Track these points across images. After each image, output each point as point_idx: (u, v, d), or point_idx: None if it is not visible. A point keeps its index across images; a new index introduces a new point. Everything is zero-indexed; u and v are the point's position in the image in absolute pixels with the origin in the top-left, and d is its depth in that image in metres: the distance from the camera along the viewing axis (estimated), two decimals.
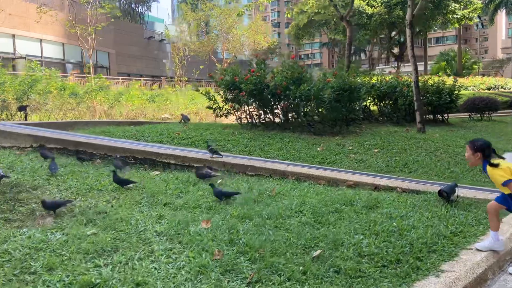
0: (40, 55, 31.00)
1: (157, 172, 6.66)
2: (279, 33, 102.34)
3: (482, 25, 60.16)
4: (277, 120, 10.70)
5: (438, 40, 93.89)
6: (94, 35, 18.69)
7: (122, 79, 31.43)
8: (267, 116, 10.78)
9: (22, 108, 11.56)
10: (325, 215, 4.79)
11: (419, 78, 12.61)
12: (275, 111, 10.74)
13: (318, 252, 3.75)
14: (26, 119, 11.70)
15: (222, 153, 7.25)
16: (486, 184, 6.53)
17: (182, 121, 11.23)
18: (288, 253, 3.71)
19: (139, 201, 4.98)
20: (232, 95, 10.51)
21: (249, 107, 10.61)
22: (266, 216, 4.63)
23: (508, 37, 48.26)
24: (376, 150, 8.53)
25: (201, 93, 10.84)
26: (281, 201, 5.22)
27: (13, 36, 29.02)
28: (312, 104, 10.14)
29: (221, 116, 10.90)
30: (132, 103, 14.65)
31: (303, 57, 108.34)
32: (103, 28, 19.92)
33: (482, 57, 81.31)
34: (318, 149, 8.51)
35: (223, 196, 5.09)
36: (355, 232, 4.33)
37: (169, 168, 7.03)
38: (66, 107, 12.33)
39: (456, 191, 5.50)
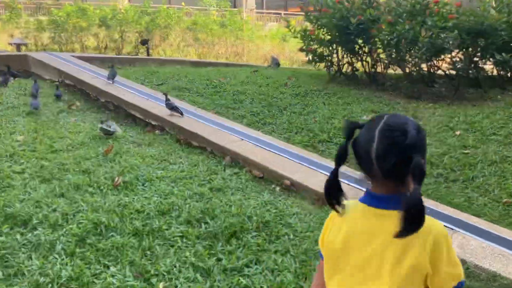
0: None
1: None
2: None
3: None
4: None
5: None
6: None
7: None
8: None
9: (144, 42, 11.82)
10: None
11: None
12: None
13: None
14: (148, 54, 11.98)
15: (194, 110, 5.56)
16: None
17: (271, 65, 9.50)
18: None
19: None
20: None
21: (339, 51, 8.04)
22: None
23: None
24: (458, 133, 5.18)
25: (290, 30, 8.70)
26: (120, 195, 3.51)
27: None
28: (406, 51, 6.87)
29: (311, 61, 8.58)
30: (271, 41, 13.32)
31: None
32: None
33: None
34: (365, 118, 5.74)
35: None
36: None
37: (134, 121, 5.83)
38: (184, 44, 12.04)
39: None
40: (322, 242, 1.41)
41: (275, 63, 9.44)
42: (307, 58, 8.67)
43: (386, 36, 6.85)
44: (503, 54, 6.85)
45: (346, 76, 8.04)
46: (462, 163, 4.40)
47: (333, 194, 1.31)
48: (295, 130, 5.40)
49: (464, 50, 6.90)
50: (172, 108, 5.37)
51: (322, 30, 8.02)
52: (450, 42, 6.52)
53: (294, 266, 2.75)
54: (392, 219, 1.20)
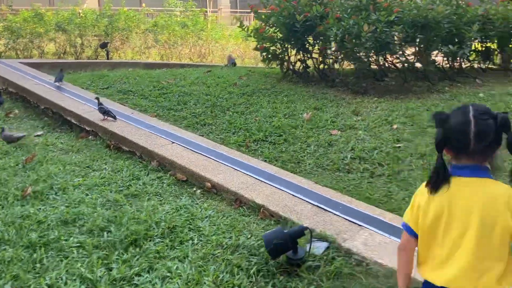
0: None
1: (40, 133, 5.45)
2: None
3: None
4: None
5: None
6: None
7: None
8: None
9: (103, 45, 11.61)
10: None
11: None
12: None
13: None
14: (108, 57, 11.79)
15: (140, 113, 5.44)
16: None
17: (228, 64, 9.40)
18: None
19: None
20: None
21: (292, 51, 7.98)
22: None
23: None
24: (394, 126, 5.15)
25: (243, 29, 8.58)
26: (27, 206, 3.38)
27: None
28: (352, 46, 6.82)
29: (265, 60, 8.49)
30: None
31: None
32: None
33: None
34: (305, 116, 5.67)
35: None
36: None
37: (70, 127, 5.69)
38: (145, 46, 11.89)
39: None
40: (411, 217, 1.65)
41: (232, 62, 9.35)
42: (261, 57, 8.60)
43: (333, 32, 6.80)
44: (450, 46, 6.87)
45: (298, 74, 7.98)
46: (391, 158, 4.36)
47: (441, 177, 1.55)
48: (232, 130, 5.31)
49: (409, 43, 6.89)
50: (105, 112, 5.25)
51: (274, 28, 7.95)
52: (395, 36, 6.51)
53: (188, 272, 2.66)
54: (476, 183, 1.53)
